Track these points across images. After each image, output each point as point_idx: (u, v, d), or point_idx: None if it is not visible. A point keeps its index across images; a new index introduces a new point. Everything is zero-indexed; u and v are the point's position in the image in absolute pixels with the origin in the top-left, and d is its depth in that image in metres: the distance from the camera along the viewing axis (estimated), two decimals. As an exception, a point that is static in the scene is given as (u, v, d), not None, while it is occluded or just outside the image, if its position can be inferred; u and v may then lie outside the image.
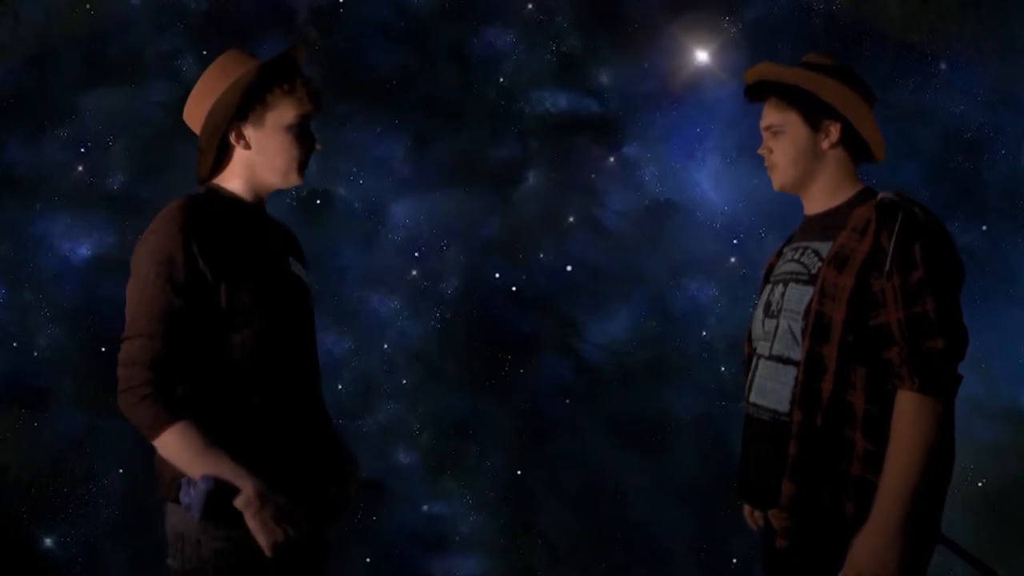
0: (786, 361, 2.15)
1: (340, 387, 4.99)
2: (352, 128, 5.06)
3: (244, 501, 1.97)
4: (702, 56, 4.87)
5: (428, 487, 5.02)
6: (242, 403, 2.07)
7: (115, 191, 5.02)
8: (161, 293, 2.01)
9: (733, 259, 4.90)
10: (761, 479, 2.18)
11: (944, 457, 2.03)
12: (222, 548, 2.01)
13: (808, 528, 2.09)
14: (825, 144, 2.22)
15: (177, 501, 2.02)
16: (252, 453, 2.03)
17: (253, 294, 2.09)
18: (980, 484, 4.52)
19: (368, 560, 4.89)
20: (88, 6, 4.99)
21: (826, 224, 2.21)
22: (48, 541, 4.85)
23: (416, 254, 5.09)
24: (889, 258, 2.02)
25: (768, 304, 2.27)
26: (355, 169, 5.10)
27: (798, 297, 2.16)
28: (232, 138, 2.16)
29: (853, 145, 2.24)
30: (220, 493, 1.97)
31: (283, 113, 2.15)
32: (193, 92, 2.20)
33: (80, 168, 5.01)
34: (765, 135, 2.30)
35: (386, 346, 5.07)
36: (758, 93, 2.31)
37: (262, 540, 1.97)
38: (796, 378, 2.10)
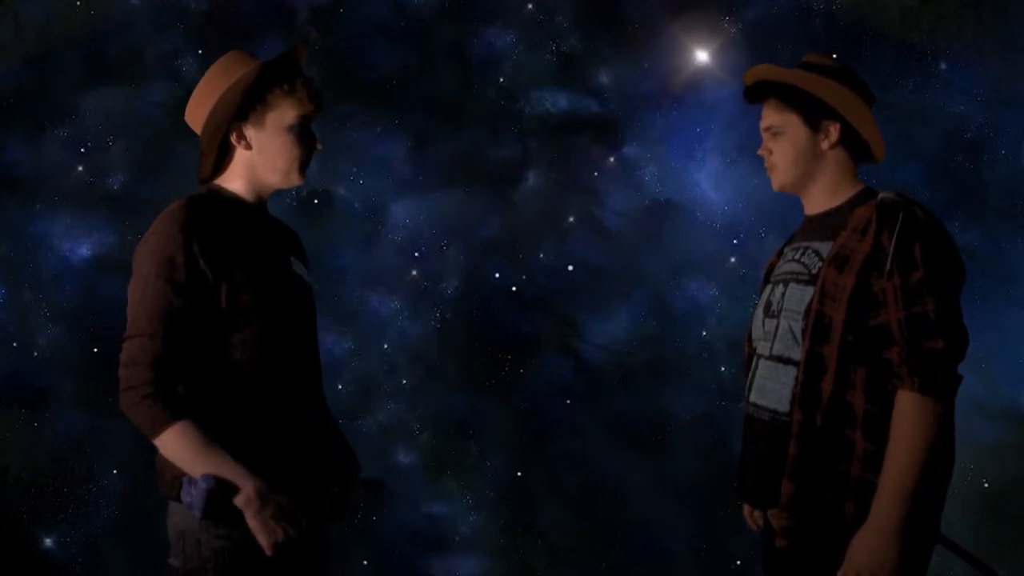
0: (786, 361, 2.15)
1: (340, 387, 4.99)
2: (352, 128, 5.06)
3: (244, 500, 1.98)
4: (702, 56, 4.87)
5: (428, 487, 5.02)
6: (243, 403, 2.07)
7: (115, 191, 5.02)
8: (162, 293, 2.02)
9: (733, 259, 4.91)
10: (761, 479, 2.19)
11: (944, 457, 2.03)
12: (223, 547, 2.02)
13: (808, 528, 2.09)
14: (825, 144, 2.23)
15: (179, 500, 2.02)
16: (253, 453, 2.03)
17: (254, 294, 2.09)
18: (981, 484, 4.52)
19: (368, 560, 4.89)
20: (88, 6, 4.99)
21: (826, 224, 2.21)
22: (48, 541, 4.85)
23: (416, 254, 5.09)
24: (889, 258, 2.02)
25: (768, 304, 2.27)
26: (355, 169, 5.10)
27: (798, 297, 2.16)
28: (233, 138, 2.16)
29: (853, 145, 2.24)
30: (221, 492, 1.97)
31: (284, 113, 2.15)
32: (194, 93, 2.20)
33: (80, 168, 5.02)
34: (765, 136, 2.30)
35: (386, 346, 5.07)
36: (757, 94, 2.31)
37: (262, 539, 1.98)
38: (796, 378, 2.10)
